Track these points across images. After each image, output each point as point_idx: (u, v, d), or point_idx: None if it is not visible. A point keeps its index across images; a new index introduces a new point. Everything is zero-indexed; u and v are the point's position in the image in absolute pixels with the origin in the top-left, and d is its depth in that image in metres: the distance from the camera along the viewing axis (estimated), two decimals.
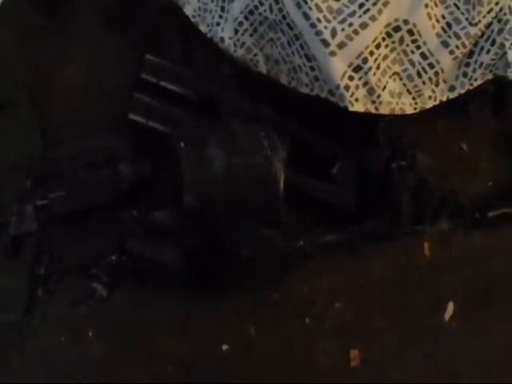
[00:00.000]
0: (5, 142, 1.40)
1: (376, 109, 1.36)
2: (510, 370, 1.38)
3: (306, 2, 1.30)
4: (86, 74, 1.48)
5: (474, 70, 1.41)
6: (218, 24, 1.41)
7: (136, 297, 1.34)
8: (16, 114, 1.43)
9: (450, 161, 1.49)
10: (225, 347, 1.33)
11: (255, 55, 1.40)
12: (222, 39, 1.40)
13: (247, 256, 1.27)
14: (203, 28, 1.43)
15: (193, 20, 1.43)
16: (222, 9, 1.40)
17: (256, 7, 1.36)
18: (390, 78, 1.38)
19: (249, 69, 1.41)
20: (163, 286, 1.32)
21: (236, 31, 1.39)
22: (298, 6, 1.31)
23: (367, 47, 1.33)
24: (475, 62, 1.41)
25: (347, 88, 1.33)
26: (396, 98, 1.38)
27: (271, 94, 1.41)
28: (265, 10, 1.35)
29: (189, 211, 1.25)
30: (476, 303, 1.41)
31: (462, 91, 1.42)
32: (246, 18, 1.37)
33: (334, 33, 1.31)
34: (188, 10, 1.44)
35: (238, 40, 1.39)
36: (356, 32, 1.32)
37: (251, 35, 1.39)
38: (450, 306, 1.40)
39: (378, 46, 1.34)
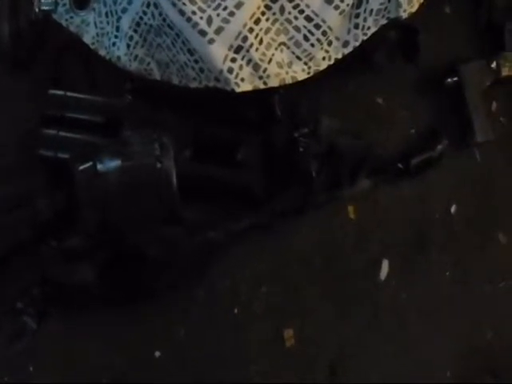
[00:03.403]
0: None
1: (265, 83, 1.39)
2: (453, 314, 1.41)
3: None
4: None
5: (365, 19, 1.43)
6: (114, 44, 1.47)
7: (66, 322, 1.40)
8: None
9: (366, 117, 1.52)
10: (157, 354, 1.39)
11: (148, 64, 1.46)
12: (119, 58, 1.47)
13: (157, 257, 1.31)
14: (102, 52, 1.49)
15: (92, 47, 1.50)
16: (117, 29, 1.47)
17: (141, 18, 1.42)
18: (276, 49, 1.41)
19: (147, 80, 1.46)
20: (89, 306, 1.37)
21: (128, 46, 1.45)
22: (173, 4, 1.36)
23: (245, 25, 1.36)
24: (365, 11, 1.42)
25: (231, 71, 1.37)
26: (285, 68, 1.41)
27: (171, 98, 1.47)
28: (149, 19, 1.41)
29: (90, 226, 1.30)
30: (412, 255, 1.44)
31: (357, 43, 1.43)
32: (135, 30, 1.44)
33: (209, 21, 1.35)
34: (87, 39, 1.51)
35: (132, 54, 1.45)
36: (232, 14, 1.35)
37: (142, 46, 1.45)
38: (385, 264, 1.42)
39: (257, 22, 1.38)
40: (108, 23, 1.48)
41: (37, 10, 1.51)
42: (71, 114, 1.48)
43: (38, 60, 1.55)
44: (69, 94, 1.49)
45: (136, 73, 1.46)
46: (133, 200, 1.32)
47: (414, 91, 1.54)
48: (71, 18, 1.52)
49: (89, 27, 1.50)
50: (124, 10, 1.44)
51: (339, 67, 1.43)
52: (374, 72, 1.52)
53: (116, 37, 1.47)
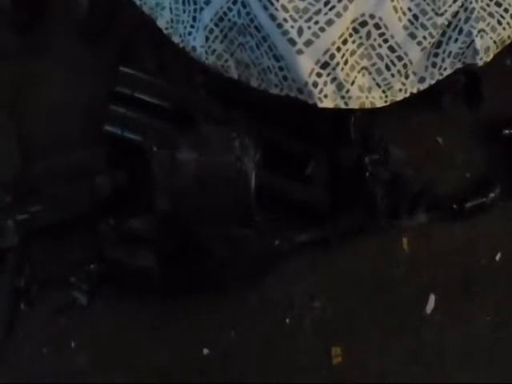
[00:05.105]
0: None
1: (346, 104, 1.44)
2: (491, 359, 1.46)
3: (272, 4, 1.39)
4: (62, 90, 1.57)
5: (443, 60, 1.49)
6: (190, 34, 1.49)
7: (116, 304, 1.41)
8: None
9: (425, 154, 1.58)
10: (206, 351, 1.40)
11: (226, 61, 1.48)
12: (194, 48, 1.49)
13: (222, 256, 1.33)
14: (176, 39, 1.51)
15: (165, 32, 1.52)
16: (194, 19, 1.49)
17: (225, 13, 1.44)
18: (359, 72, 1.46)
19: (221, 76, 1.49)
20: (142, 291, 1.39)
21: (207, 39, 1.47)
22: (265, 7, 1.39)
23: (334, 43, 1.41)
24: (444, 52, 1.49)
25: (315, 85, 1.41)
26: (365, 93, 1.46)
27: (244, 98, 1.50)
28: (233, 16, 1.44)
29: (162, 214, 1.32)
30: (457, 295, 1.49)
31: (433, 81, 1.50)
32: (216, 24, 1.46)
33: (300, 31, 1.39)
34: (161, 23, 1.53)
35: (209, 47, 1.47)
36: (322, 29, 1.40)
37: (222, 41, 1.47)
38: (432, 299, 1.47)
39: (344, 42, 1.43)
40: (184, 11, 1.50)
41: None
42: (141, 95, 1.49)
43: (107, 35, 1.59)
44: (140, 74, 1.50)
45: (212, 67, 1.49)
46: (207, 195, 1.34)
47: (472, 137, 1.61)
48: None
49: (163, 11, 1.53)
50: (207, 2, 1.46)
51: (407, 102, 1.49)
52: (438, 112, 1.59)
53: (192, 26, 1.49)
